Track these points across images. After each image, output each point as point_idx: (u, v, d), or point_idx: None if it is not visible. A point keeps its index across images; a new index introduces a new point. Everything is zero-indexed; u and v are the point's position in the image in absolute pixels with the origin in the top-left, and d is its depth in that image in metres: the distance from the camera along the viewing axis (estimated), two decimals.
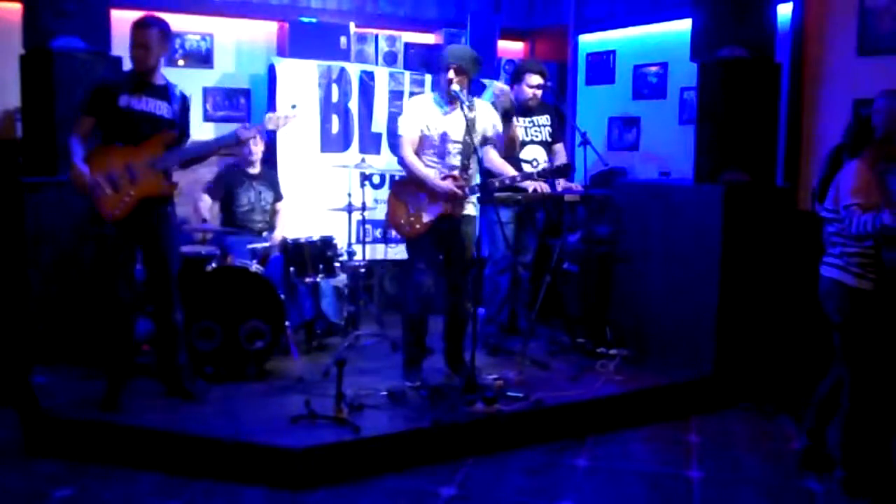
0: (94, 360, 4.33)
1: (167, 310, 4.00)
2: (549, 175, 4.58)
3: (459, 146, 4.22)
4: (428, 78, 6.15)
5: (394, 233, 4.52)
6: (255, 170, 5.23)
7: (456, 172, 4.20)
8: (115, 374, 3.92)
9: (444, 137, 4.21)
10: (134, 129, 3.83)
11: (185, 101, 4.02)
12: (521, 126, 5.07)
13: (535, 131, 5.13)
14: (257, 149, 5.18)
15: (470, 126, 4.12)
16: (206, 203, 5.09)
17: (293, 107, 4.19)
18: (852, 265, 3.29)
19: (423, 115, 4.24)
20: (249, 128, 4.05)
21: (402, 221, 4.25)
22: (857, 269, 3.29)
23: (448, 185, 4.15)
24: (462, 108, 4.09)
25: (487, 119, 4.32)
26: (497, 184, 4.31)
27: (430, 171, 4.22)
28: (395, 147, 4.34)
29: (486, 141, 4.36)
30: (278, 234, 5.13)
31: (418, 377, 4.29)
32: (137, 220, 3.86)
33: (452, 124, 4.22)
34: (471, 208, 4.36)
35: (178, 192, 4.03)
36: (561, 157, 5.28)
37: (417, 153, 4.26)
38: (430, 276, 4.26)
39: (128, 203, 3.82)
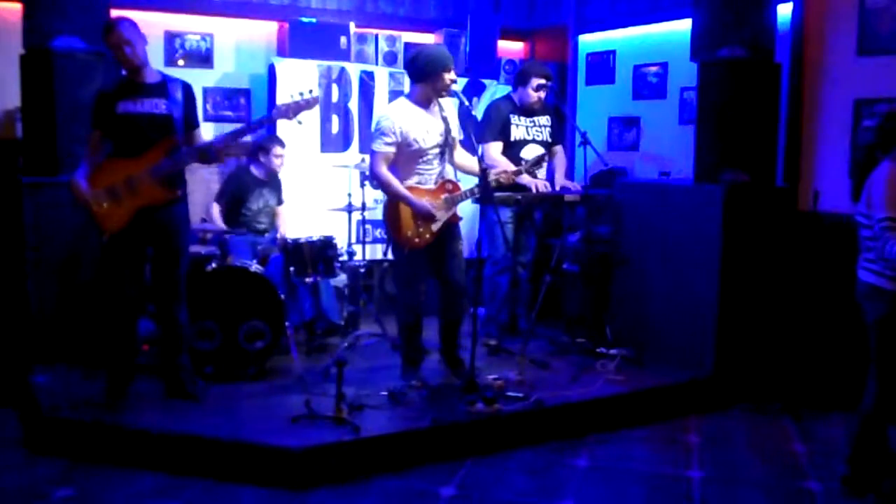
0: (95, 359, 4.34)
1: (172, 309, 3.99)
2: (532, 165, 4.56)
3: (444, 148, 4.18)
4: None
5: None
6: (266, 175, 5.29)
7: (448, 176, 4.19)
8: (117, 375, 3.92)
9: (434, 144, 4.13)
10: (136, 133, 3.80)
11: (188, 91, 3.98)
12: (522, 125, 5.09)
13: (537, 131, 5.13)
14: (279, 161, 5.27)
15: (449, 126, 4.12)
16: (217, 211, 5.12)
17: (310, 92, 3.96)
18: (889, 269, 3.27)
19: (405, 126, 4.05)
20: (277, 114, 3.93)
21: (410, 234, 4.08)
22: (893, 273, 3.26)
23: (426, 204, 4.04)
24: (441, 109, 4.08)
25: (455, 115, 4.29)
26: (494, 180, 4.19)
27: (418, 177, 4.15)
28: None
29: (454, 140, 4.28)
30: (281, 233, 5.17)
31: (416, 377, 4.29)
32: (145, 224, 3.85)
33: (437, 128, 4.14)
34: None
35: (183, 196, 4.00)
36: (560, 158, 5.28)
37: (408, 164, 4.13)
38: (424, 284, 4.25)
39: (123, 216, 3.80)
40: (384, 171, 4.06)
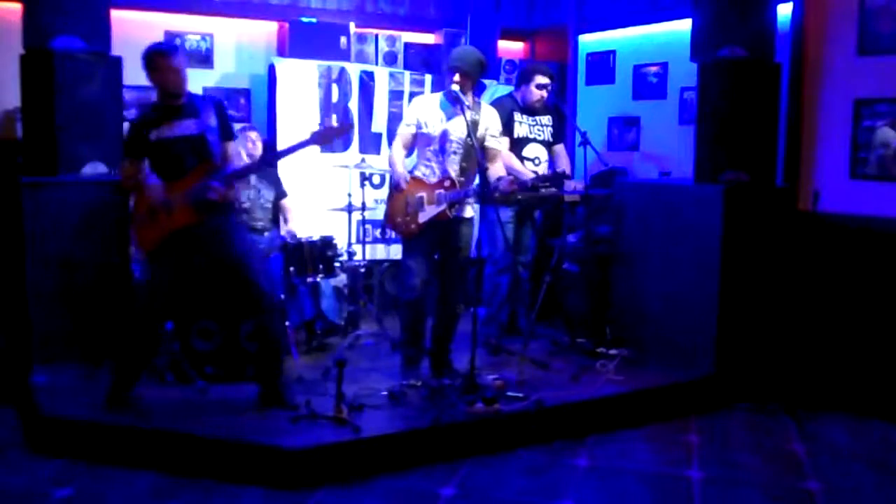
0: (95, 359, 4.36)
1: (263, 319, 3.91)
2: (544, 182, 4.54)
3: (459, 147, 4.22)
4: (428, 78, 6.16)
5: (389, 232, 4.53)
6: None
7: (453, 173, 4.21)
8: (127, 376, 3.91)
9: (443, 137, 4.21)
10: (170, 156, 3.82)
11: (219, 108, 3.97)
12: (524, 124, 5.10)
13: (538, 130, 5.15)
14: (251, 145, 5.20)
15: (471, 128, 4.12)
16: None
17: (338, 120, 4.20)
18: None
19: (422, 113, 4.26)
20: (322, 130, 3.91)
21: (399, 220, 4.27)
22: None
23: (400, 177, 4.24)
24: (463, 110, 4.09)
25: (490, 122, 4.31)
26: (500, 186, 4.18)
27: (426, 169, 4.25)
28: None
29: (485, 145, 4.29)
30: (289, 227, 5.16)
31: (415, 376, 4.29)
32: (187, 240, 3.84)
33: (454, 125, 4.22)
34: (468, 209, 4.35)
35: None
36: (562, 159, 5.29)
37: (422, 152, 4.30)
38: (422, 277, 4.26)
39: (157, 237, 3.84)
40: (395, 148, 4.34)
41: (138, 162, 3.88)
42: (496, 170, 4.29)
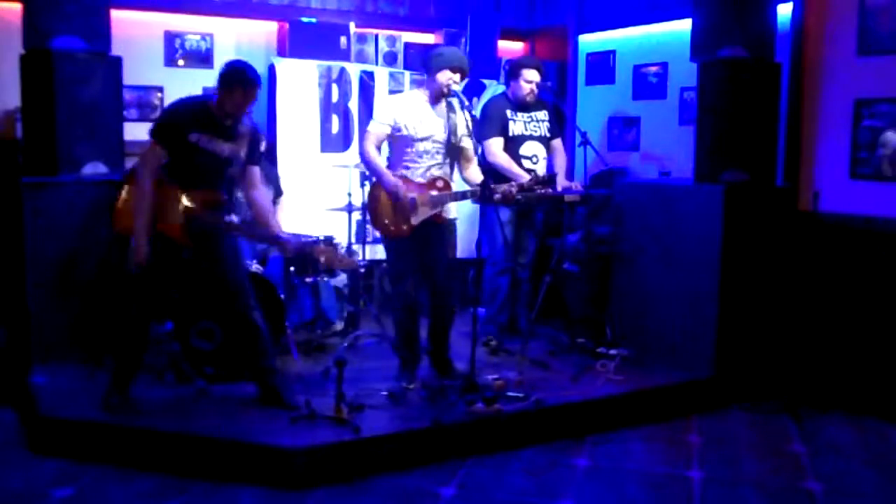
0: (94, 359, 4.35)
1: (242, 314, 3.92)
2: (533, 186, 4.47)
3: (441, 146, 4.20)
4: None
5: (377, 233, 4.47)
6: None
7: (440, 174, 4.18)
8: (124, 373, 3.91)
9: (427, 137, 4.17)
10: (196, 166, 3.80)
11: (253, 137, 3.94)
12: (519, 122, 5.08)
13: (535, 126, 5.13)
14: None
15: (455, 127, 4.11)
16: None
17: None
18: None
19: (401, 114, 4.16)
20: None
21: (388, 222, 4.16)
22: None
23: (394, 183, 4.08)
24: (463, 109, 4.08)
25: (466, 121, 4.26)
26: (499, 194, 4.15)
27: (405, 170, 4.20)
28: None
29: (461, 145, 4.24)
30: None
31: (410, 379, 4.27)
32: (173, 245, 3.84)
33: (437, 124, 4.18)
34: (452, 210, 4.32)
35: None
36: (560, 154, 5.27)
37: (399, 153, 4.22)
38: (411, 280, 4.24)
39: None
40: (368, 146, 4.19)
41: (164, 151, 3.78)
42: (474, 170, 4.28)
